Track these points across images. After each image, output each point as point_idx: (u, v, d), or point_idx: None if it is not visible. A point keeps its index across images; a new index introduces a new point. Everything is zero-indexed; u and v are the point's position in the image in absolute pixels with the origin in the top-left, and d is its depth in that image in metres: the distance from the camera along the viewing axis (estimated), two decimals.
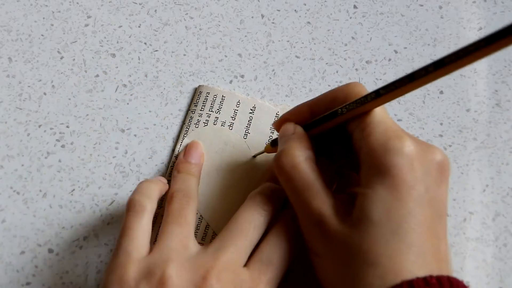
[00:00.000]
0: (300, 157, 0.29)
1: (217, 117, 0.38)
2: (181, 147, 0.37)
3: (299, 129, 0.31)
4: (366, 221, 0.26)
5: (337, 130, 0.30)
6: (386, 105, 0.36)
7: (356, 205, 0.27)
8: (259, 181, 0.35)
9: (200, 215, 0.35)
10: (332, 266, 0.27)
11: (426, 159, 0.27)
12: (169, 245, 0.29)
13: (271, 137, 0.38)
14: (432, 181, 0.27)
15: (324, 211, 0.28)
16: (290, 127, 0.32)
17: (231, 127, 0.38)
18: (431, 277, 0.24)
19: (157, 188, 0.32)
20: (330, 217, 0.27)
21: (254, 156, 0.37)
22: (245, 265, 0.29)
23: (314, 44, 0.43)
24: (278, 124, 0.33)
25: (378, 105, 0.28)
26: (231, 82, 0.41)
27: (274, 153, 0.35)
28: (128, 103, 0.39)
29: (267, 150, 0.36)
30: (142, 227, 0.30)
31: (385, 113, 0.29)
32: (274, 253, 0.30)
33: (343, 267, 0.26)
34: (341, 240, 0.27)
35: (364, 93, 0.29)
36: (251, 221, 0.30)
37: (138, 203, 0.31)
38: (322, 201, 0.28)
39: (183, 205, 0.32)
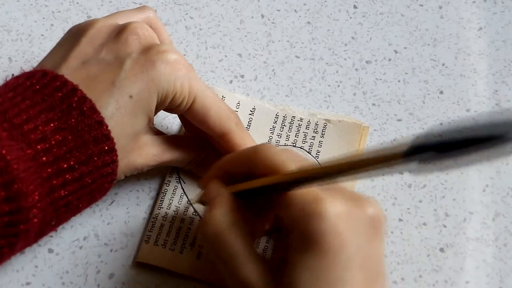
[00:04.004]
0: (223, 223, 0.28)
1: None
2: None
3: (222, 191, 0.30)
4: None
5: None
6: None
7: (284, 274, 0.26)
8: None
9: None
10: None
11: (354, 216, 0.26)
12: None
13: (270, 137, 0.38)
14: (363, 240, 0.26)
15: (253, 282, 0.26)
16: (213, 189, 0.30)
17: None
18: None
19: None
20: (259, 287, 0.26)
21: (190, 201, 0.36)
22: None
23: (314, 44, 0.43)
24: (203, 183, 0.32)
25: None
26: (231, 82, 0.41)
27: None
28: None
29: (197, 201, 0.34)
30: None
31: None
32: None
33: None
34: None
35: (274, 154, 0.28)
36: None
37: None
38: (249, 270, 0.27)
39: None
